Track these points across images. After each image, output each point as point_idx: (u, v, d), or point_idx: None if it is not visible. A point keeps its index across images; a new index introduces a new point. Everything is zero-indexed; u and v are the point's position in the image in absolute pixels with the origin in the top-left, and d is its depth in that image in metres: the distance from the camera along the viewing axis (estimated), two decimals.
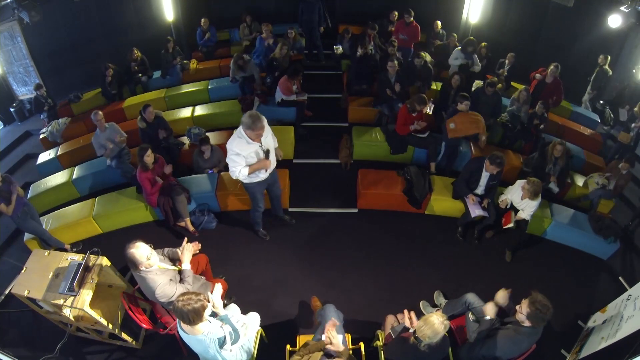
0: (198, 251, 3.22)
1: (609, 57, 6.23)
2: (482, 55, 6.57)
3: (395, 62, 5.66)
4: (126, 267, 4.13)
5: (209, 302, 2.50)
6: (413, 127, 5.06)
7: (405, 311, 2.95)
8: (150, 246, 2.86)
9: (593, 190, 4.81)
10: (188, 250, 3.05)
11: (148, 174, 4.22)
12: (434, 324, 2.43)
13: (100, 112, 4.87)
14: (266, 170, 3.70)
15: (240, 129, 3.41)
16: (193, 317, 2.37)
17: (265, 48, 6.76)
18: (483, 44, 6.66)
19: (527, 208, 4.02)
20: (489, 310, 2.89)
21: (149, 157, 4.14)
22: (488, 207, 4.28)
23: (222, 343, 2.54)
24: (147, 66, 6.96)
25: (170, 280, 2.92)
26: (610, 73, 6.30)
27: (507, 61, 6.64)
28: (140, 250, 2.75)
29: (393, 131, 5.30)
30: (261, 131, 3.34)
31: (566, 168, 4.81)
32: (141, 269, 2.79)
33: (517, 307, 2.78)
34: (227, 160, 3.54)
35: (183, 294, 2.44)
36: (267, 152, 3.59)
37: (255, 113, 3.32)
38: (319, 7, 7.19)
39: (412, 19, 6.97)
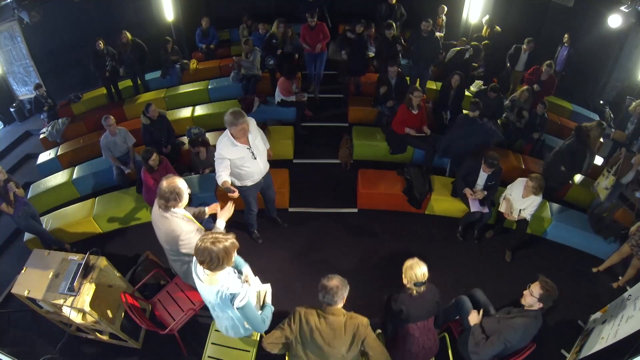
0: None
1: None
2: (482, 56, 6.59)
3: (395, 67, 5.61)
4: (126, 267, 4.14)
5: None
6: (408, 131, 5.07)
7: None
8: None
9: (608, 196, 4.57)
10: (228, 211, 2.85)
11: (154, 174, 4.21)
12: (416, 265, 2.76)
13: (112, 117, 4.86)
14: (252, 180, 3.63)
15: (227, 130, 3.33)
16: (223, 257, 2.15)
17: (262, 35, 6.71)
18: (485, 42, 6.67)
19: (528, 207, 4.02)
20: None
21: (154, 161, 4.14)
22: (487, 202, 4.29)
23: (232, 299, 2.30)
24: (145, 52, 6.67)
25: (197, 230, 2.74)
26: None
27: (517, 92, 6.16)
28: (183, 183, 2.63)
29: (392, 130, 5.30)
30: (244, 125, 3.23)
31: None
32: (176, 204, 2.60)
33: (526, 290, 2.84)
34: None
35: (207, 233, 2.23)
36: (252, 152, 3.44)
37: (237, 109, 3.25)
38: (319, 6, 7.17)
39: (315, 20, 6.01)
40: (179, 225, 2.66)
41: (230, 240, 2.22)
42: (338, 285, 2.39)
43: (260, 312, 2.65)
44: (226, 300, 2.28)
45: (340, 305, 2.47)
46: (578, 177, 5.21)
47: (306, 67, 6.57)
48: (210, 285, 2.28)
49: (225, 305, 2.32)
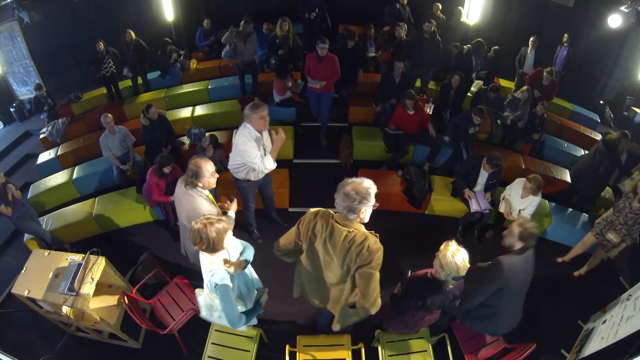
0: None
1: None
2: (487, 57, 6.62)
3: (402, 63, 5.59)
4: (126, 267, 4.14)
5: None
6: (391, 128, 5.14)
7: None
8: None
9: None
10: (235, 204, 3.00)
11: (161, 180, 4.20)
12: (457, 252, 2.44)
13: (110, 115, 4.86)
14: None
15: (244, 123, 3.42)
16: (214, 238, 2.15)
17: (265, 35, 6.68)
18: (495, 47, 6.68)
19: (528, 207, 4.02)
20: None
21: (168, 169, 4.15)
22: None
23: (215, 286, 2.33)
24: (146, 53, 6.68)
25: (218, 214, 2.86)
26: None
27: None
28: (210, 165, 2.82)
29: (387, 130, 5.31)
30: (265, 112, 3.38)
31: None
32: (198, 184, 2.80)
33: (505, 232, 2.83)
34: (240, 158, 3.50)
35: (205, 216, 2.24)
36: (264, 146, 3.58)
37: (257, 102, 3.42)
38: (319, 6, 7.16)
39: (327, 48, 4.93)
40: (203, 204, 2.83)
41: (223, 223, 2.21)
42: (366, 189, 2.11)
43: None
44: (211, 284, 2.31)
45: (357, 218, 2.15)
46: None
47: (310, 109, 5.79)
48: (208, 264, 2.33)
49: (212, 288, 2.35)
